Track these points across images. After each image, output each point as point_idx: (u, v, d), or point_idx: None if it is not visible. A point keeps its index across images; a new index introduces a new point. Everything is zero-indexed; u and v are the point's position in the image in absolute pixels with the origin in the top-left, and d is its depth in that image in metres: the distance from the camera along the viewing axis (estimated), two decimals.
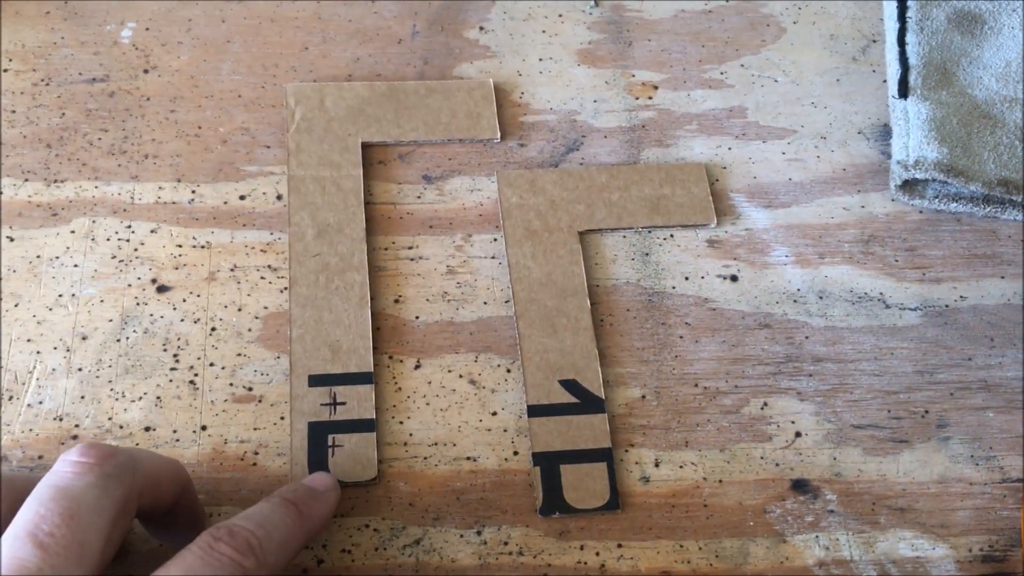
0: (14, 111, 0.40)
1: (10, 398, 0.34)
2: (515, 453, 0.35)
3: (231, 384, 0.35)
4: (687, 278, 0.38)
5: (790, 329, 0.37)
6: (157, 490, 0.28)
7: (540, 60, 0.43)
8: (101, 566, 0.26)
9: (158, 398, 0.35)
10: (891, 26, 0.44)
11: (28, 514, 0.25)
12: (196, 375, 0.35)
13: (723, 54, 0.44)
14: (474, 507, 0.34)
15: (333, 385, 0.35)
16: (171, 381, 0.35)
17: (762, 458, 0.35)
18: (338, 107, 0.41)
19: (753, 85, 0.43)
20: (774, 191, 0.41)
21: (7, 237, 0.37)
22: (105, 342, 0.36)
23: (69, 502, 0.25)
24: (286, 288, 0.37)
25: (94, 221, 0.38)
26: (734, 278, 0.39)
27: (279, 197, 0.39)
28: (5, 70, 0.41)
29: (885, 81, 0.44)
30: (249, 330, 0.36)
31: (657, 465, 0.35)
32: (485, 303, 0.37)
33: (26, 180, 0.39)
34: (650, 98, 0.43)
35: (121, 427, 0.34)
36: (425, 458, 0.34)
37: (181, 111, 0.41)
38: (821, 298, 0.38)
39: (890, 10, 0.44)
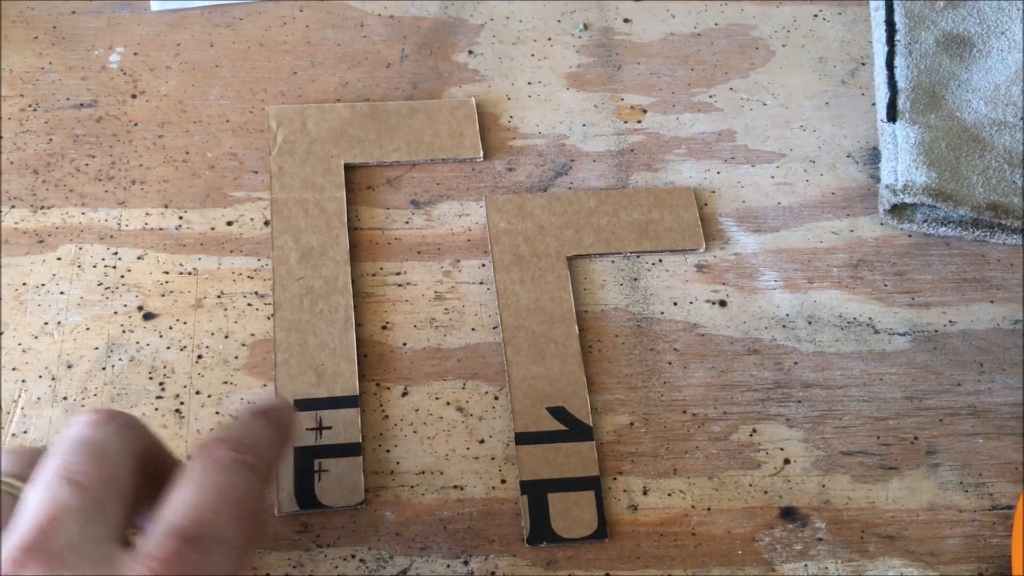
0: (0, 137, 0.40)
1: None
2: (503, 481, 0.34)
3: (217, 413, 0.35)
4: (676, 303, 0.38)
5: (779, 355, 0.37)
6: (162, 459, 0.28)
7: (529, 84, 0.43)
8: (133, 511, 0.25)
9: None
10: (880, 49, 0.44)
11: (56, 461, 0.24)
12: (182, 403, 0.35)
13: (712, 77, 0.44)
14: (461, 536, 0.33)
15: (319, 409, 0.35)
16: (157, 410, 0.35)
17: (751, 485, 0.35)
18: (320, 129, 0.41)
19: (742, 108, 0.43)
20: (763, 215, 0.41)
21: None
22: (91, 370, 0.35)
23: (95, 447, 0.25)
24: (273, 315, 0.37)
25: (80, 248, 0.38)
26: (723, 303, 0.38)
27: (266, 223, 0.39)
28: None
29: (874, 104, 0.43)
30: (236, 358, 0.36)
31: (645, 493, 0.34)
32: (473, 329, 0.37)
33: (12, 207, 0.39)
34: (639, 122, 0.43)
35: None
36: (412, 487, 0.34)
37: (169, 136, 0.41)
38: (810, 323, 0.38)
39: (879, 33, 0.44)
